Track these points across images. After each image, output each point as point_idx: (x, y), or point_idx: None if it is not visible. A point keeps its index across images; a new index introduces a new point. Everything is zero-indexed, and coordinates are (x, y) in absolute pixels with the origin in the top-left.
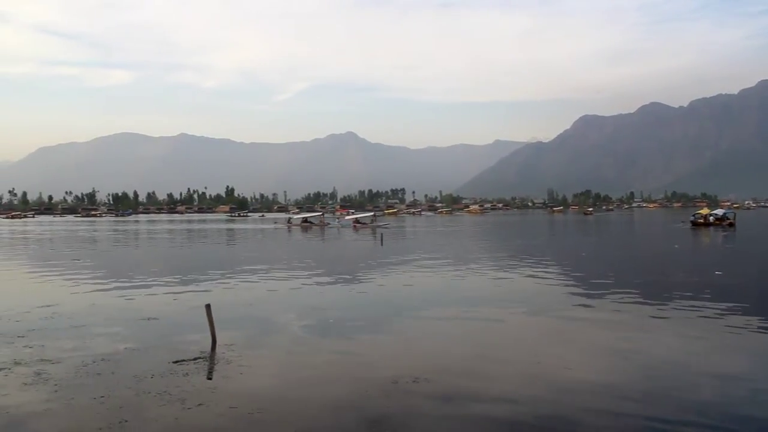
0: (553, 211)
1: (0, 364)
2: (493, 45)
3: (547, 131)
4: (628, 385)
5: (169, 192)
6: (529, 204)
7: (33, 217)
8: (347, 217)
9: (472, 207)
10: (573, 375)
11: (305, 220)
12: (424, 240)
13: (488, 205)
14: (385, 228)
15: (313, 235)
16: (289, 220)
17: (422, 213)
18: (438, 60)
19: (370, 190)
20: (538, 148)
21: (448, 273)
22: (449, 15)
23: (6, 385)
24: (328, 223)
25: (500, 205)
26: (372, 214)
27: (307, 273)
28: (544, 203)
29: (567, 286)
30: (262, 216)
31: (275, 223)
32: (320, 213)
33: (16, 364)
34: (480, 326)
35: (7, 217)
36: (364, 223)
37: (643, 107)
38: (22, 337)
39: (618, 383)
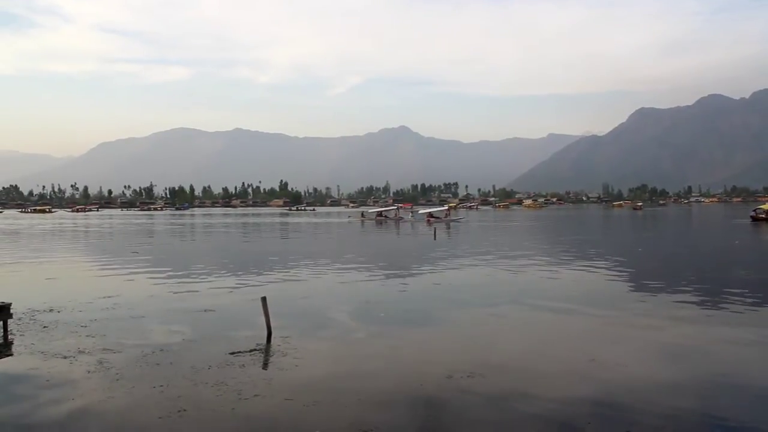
0: (613, 206)
1: (65, 353)
2: (546, 37)
3: (601, 125)
4: (685, 384)
5: (224, 186)
6: (584, 198)
7: (98, 210)
8: (421, 211)
9: (527, 201)
10: (628, 373)
11: (379, 214)
12: (480, 234)
13: (542, 200)
14: (459, 222)
15: (385, 229)
16: (362, 215)
17: (478, 207)
18: (491, 53)
19: (422, 184)
20: (592, 141)
21: (502, 267)
22: (502, 8)
23: (71, 372)
24: (402, 218)
25: (554, 200)
26: (446, 208)
27: (360, 266)
28: (598, 198)
29: (622, 282)
30: (313, 210)
31: (349, 217)
32: (395, 207)
33: (80, 352)
34: (534, 322)
35: (72, 211)
36: (438, 218)
37: (702, 99)
38: (85, 326)
39: (674, 382)
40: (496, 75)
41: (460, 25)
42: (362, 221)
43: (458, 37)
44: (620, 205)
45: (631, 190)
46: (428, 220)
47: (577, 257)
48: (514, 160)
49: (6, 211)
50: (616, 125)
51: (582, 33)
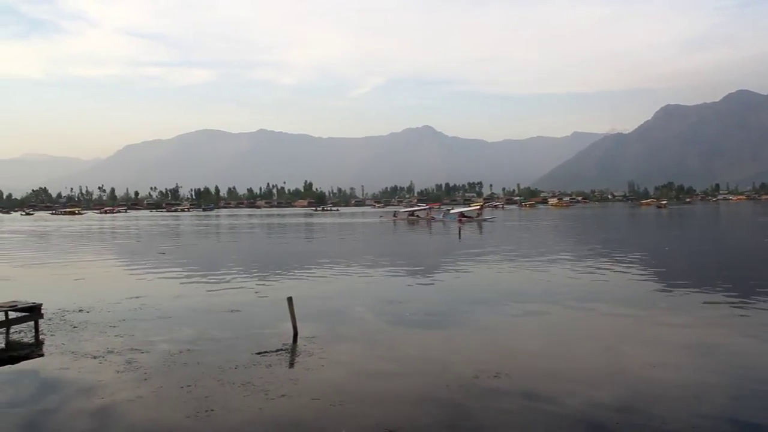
0: (641, 204)
1: (94, 352)
2: (569, 35)
3: (627, 122)
4: (715, 385)
5: (248, 187)
6: (609, 197)
7: (125, 211)
8: (452, 211)
9: (552, 200)
10: (657, 373)
11: (412, 214)
12: (508, 233)
13: (567, 198)
14: (491, 221)
15: (417, 229)
16: (394, 214)
17: (503, 207)
18: (514, 52)
19: (447, 184)
20: (617, 139)
21: (527, 267)
22: (524, 4)
23: (101, 372)
24: (434, 217)
25: (579, 198)
26: (478, 207)
27: (385, 266)
28: (624, 196)
29: (650, 281)
30: (337, 210)
31: (381, 217)
32: (427, 207)
33: (109, 352)
34: (561, 322)
35: (100, 212)
36: (469, 217)
37: (730, 95)
38: (114, 326)
39: (703, 383)
40: (520, 73)
41: (483, 24)
42: (394, 221)
43: (481, 35)
44: (648, 204)
45: (657, 189)
46: (460, 220)
47: (603, 256)
48: (538, 159)
49: (36, 213)
50: (642, 122)
51: (605, 29)
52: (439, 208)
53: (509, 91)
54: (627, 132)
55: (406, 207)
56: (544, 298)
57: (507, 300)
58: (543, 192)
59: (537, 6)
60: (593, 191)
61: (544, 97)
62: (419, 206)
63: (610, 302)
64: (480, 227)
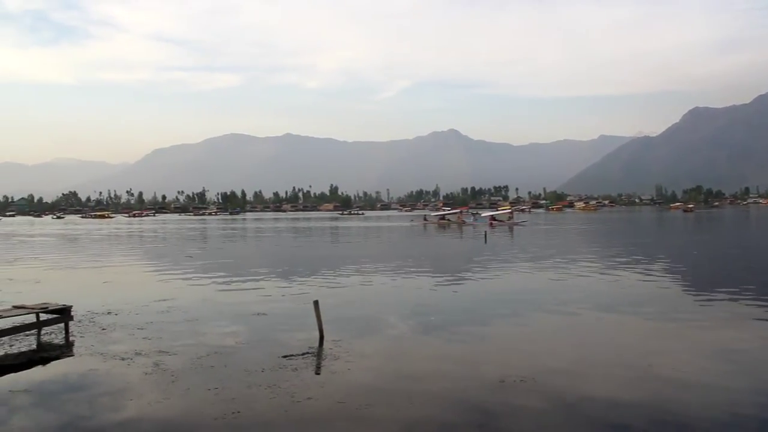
0: (670, 208)
1: (123, 354)
2: (595, 37)
3: (654, 125)
4: (744, 391)
5: (274, 191)
6: (636, 201)
7: (154, 215)
8: (484, 214)
9: (578, 204)
10: (686, 378)
11: (442, 217)
12: (534, 237)
13: (593, 202)
14: (523, 225)
15: (445, 232)
16: (425, 218)
17: (530, 210)
18: (540, 54)
19: (472, 188)
20: (644, 142)
21: (554, 271)
22: (550, 7)
23: (129, 374)
24: (464, 221)
25: (606, 202)
26: (510, 211)
27: (410, 270)
28: (651, 200)
29: (678, 285)
30: (362, 214)
31: (411, 221)
32: (458, 211)
33: (137, 354)
34: (587, 327)
35: (129, 216)
36: (500, 221)
37: (760, 97)
38: (142, 329)
39: (733, 388)
40: (546, 76)
41: (509, 26)
42: (425, 224)
43: (507, 38)
44: (677, 207)
45: (685, 192)
46: (491, 223)
47: (631, 260)
48: (564, 163)
49: (67, 217)
50: (669, 125)
51: (633, 30)
52: (468, 211)
53: (535, 94)
54: (654, 135)
55: (431, 210)
56: (571, 303)
57: (533, 304)
58: (569, 196)
59: (563, 8)
60: (620, 195)
61: (570, 100)
62: (448, 210)
63: (638, 306)
64: (511, 231)
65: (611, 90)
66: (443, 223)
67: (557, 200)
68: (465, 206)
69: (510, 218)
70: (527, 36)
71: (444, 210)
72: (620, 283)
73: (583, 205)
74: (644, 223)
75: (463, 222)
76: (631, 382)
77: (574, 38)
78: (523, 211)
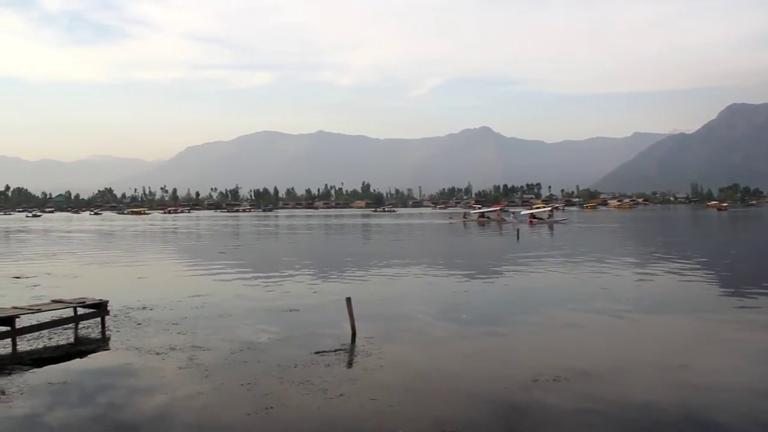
0: (707, 206)
1: (158, 349)
2: (632, 32)
3: (690, 122)
4: None
5: (307, 188)
6: (671, 199)
7: (189, 211)
8: (523, 212)
9: (612, 202)
10: (722, 381)
11: (482, 215)
12: (571, 235)
13: (627, 200)
14: (563, 223)
15: (482, 230)
16: (464, 215)
17: (563, 208)
18: (575, 51)
19: (505, 185)
20: (680, 140)
21: (589, 270)
22: (586, 3)
23: (163, 369)
24: (504, 219)
25: (640, 200)
26: (550, 209)
27: (443, 268)
28: (687, 198)
29: (715, 285)
30: (393, 211)
31: (450, 218)
32: (498, 208)
33: (171, 349)
34: (622, 326)
35: (164, 212)
36: (540, 219)
37: None
38: (176, 324)
39: None
40: (580, 73)
41: (543, 22)
42: (464, 222)
43: (540, 34)
44: (713, 206)
45: (721, 190)
46: (531, 222)
47: (667, 259)
48: (598, 160)
49: (104, 213)
50: (706, 122)
51: (670, 25)
52: (506, 209)
53: (569, 90)
54: (690, 132)
55: (463, 208)
56: (605, 302)
57: (565, 303)
58: (602, 194)
59: (599, 4)
60: (654, 193)
61: (604, 96)
62: (479, 207)
63: (674, 306)
64: (552, 229)
65: (647, 86)
66: (483, 221)
67: (590, 198)
68: (501, 203)
69: (550, 216)
70: (563, 32)
71: (476, 207)
72: (655, 282)
73: (618, 203)
74: (680, 221)
75: (503, 220)
76: (666, 382)
77: (610, 34)
78: (556, 209)
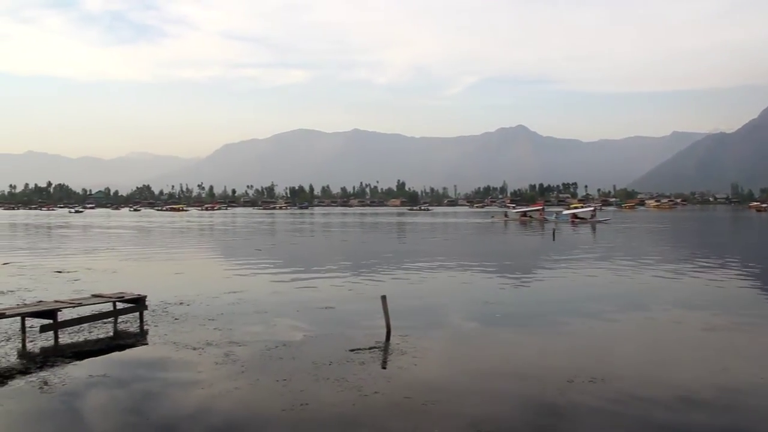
0: (750, 207)
1: (195, 344)
2: (673, 30)
3: (731, 121)
4: None
5: (342, 186)
6: (710, 199)
7: (226, 208)
8: (565, 212)
9: (649, 202)
10: (763, 385)
11: (524, 214)
12: (613, 236)
13: (665, 200)
14: (606, 223)
15: (529, 229)
16: (506, 214)
17: (601, 208)
18: (614, 48)
19: (540, 184)
20: (720, 139)
21: (624, 271)
22: (622, 1)
23: (200, 363)
24: (546, 218)
25: (678, 201)
26: (592, 209)
27: (477, 267)
28: (727, 199)
29: (758, 288)
30: (428, 210)
31: (492, 217)
32: (540, 208)
33: (208, 344)
34: (661, 328)
35: (202, 209)
36: (583, 218)
37: None
38: (213, 320)
39: None
40: (618, 70)
41: (580, 20)
42: (505, 221)
43: (578, 31)
44: (754, 207)
45: (763, 191)
46: (572, 221)
47: (707, 260)
48: (635, 160)
49: (142, 210)
50: (747, 121)
51: (710, 22)
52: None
53: (607, 89)
54: (731, 131)
55: (499, 207)
56: (643, 304)
57: (600, 304)
58: (640, 194)
59: (637, 1)
60: (693, 193)
61: (642, 95)
62: (513, 206)
63: (714, 308)
64: (594, 229)
65: (686, 85)
66: (525, 220)
67: (627, 198)
68: (541, 203)
69: (593, 216)
70: (603, 30)
71: (511, 207)
72: (696, 283)
73: (656, 203)
74: (720, 222)
75: (545, 219)
76: (704, 386)
77: (650, 31)
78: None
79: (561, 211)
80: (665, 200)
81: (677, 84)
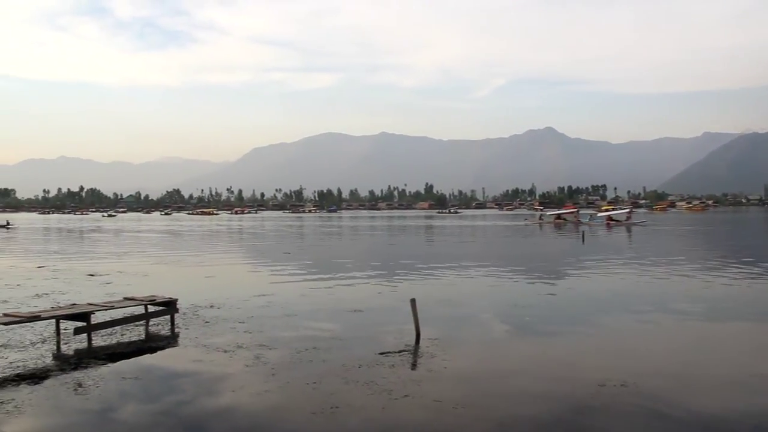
0: None
1: (225, 347)
2: (702, 29)
3: (764, 121)
4: None
5: (370, 189)
6: (743, 201)
7: (256, 212)
8: (600, 214)
9: (680, 204)
10: None
11: (558, 216)
12: (631, 238)
13: (696, 202)
14: (642, 225)
15: (564, 231)
16: (540, 217)
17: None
18: (643, 49)
19: (569, 187)
20: (753, 140)
21: (654, 274)
22: (651, 1)
23: (231, 366)
24: (580, 221)
25: (709, 202)
26: (628, 211)
27: (507, 270)
28: (760, 200)
29: None
30: (456, 213)
31: (525, 219)
32: (575, 210)
33: (238, 347)
34: (690, 332)
35: (232, 213)
36: (618, 221)
37: None
38: (243, 323)
39: None
40: (648, 71)
41: (609, 20)
42: (540, 224)
43: (606, 32)
44: None
45: None
46: (608, 223)
47: (742, 263)
48: (666, 161)
49: (174, 213)
50: None
51: (741, 21)
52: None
53: (636, 90)
54: (764, 131)
55: (528, 209)
56: (674, 307)
57: (631, 307)
58: (670, 195)
59: (665, 1)
60: (725, 195)
61: (673, 95)
62: (569, 210)
63: (746, 313)
64: (629, 231)
65: (718, 85)
66: (559, 222)
67: (657, 200)
68: (568, 205)
69: (628, 218)
70: (628, 30)
71: (539, 209)
72: (730, 287)
73: (687, 205)
74: (758, 224)
75: (579, 221)
76: (739, 391)
77: (680, 31)
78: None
79: (595, 213)
80: (696, 202)
81: (708, 84)
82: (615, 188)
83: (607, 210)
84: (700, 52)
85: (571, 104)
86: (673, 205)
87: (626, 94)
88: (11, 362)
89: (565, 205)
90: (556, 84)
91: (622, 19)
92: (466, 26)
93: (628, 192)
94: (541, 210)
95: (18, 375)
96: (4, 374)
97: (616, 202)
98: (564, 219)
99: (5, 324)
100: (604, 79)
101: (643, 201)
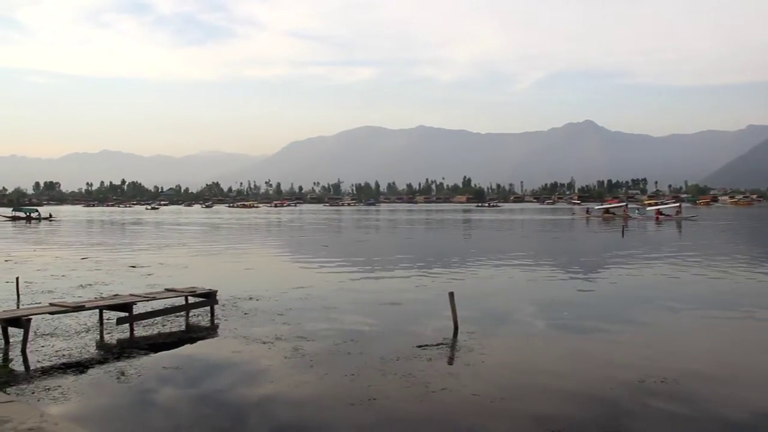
0: None
1: (264, 338)
2: (745, 20)
3: None
4: None
5: (407, 182)
6: None
7: (295, 205)
8: (649, 208)
9: (723, 198)
10: None
11: (607, 211)
12: (673, 233)
13: (740, 197)
14: (692, 220)
15: (612, 226)
16: (587, 211)
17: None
18: (684, 40)
19: (609, 180)
20: None
21: (696, 270)
22: None
23: (270, 357)
24: (629, 215)
25: (753, 197)
26: (678, 205)
27: (546, 264)
28: None
29: None
30: (495, 206)
31: (573, 213)
32: (624, 204)
33: (277, 339)
34: (731, 330)
35: (271, 205)
36: (668, 215)
37: None
38: (281, 315)
39: None
40: (691, 63)
41: (650, 11)
42: (587, 218)
43: (647, 24)
44: None
45: None
46: (657, 218)
47: None
48: (708, 155)
49: (215, 207)
50: None
51: None
52: (620, 203)
53: (678, 82)
54: None
55: (566, 203)
56: (716, 303)
57: (670, 303)
58: (712, 189)
59: None
60: None
61: (715, 87)
62: (618, 204)
63: None
64: (679, 226)
65: (763, 76)
66: (608, 216)
67: (699, 194)
68: (618, 199)
69: (678, 212)
70: (674, 22)
71: (576, 203)
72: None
73: (731, 199)
74: None
75: (628, 216)
76: None
77: (723, 22)
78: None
79: (644, 208)
80: (740, 196)
81: (753, 75)
82: (656, 182)
83: (649, 204)
84: (743, 43)
85: (611, 97)
86: (715, 199)
87: (667, 86)
88: (57, 350)
89: (605, 199)
90: (596, 77)
91: (662, 10)
92: (504, 19)
93: (669, 186)
94: (580, 204)
95: (64, 363)
96: (51, 362)
97: (656, 196)
98: (613, 213)
99: (51, 313)
100: (644, 71)
101: (684, 195)
